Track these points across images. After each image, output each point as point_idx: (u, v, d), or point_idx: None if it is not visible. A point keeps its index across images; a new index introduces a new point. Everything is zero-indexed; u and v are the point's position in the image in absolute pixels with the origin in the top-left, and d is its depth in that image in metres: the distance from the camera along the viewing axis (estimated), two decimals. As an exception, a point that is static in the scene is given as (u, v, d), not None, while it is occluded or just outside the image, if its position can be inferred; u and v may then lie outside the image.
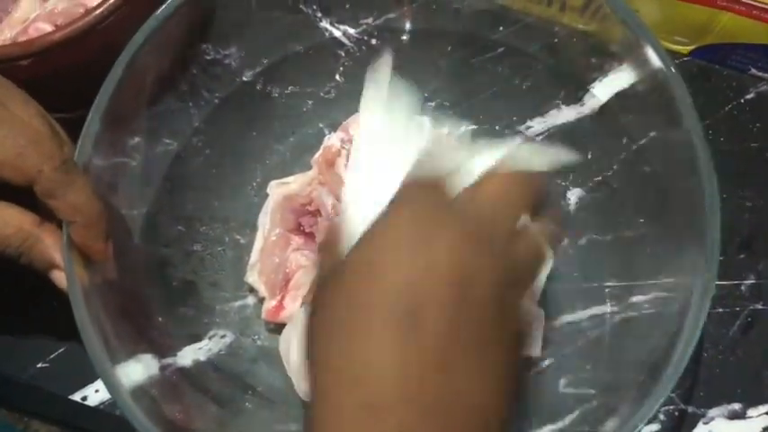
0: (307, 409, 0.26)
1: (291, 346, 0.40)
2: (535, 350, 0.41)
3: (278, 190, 0.45)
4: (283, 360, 0.41)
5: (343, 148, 0.44)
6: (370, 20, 0.46)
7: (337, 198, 0.43)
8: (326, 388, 0.25)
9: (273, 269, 0.43)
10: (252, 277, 0.43)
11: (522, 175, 0.29)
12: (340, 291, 0.26)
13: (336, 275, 0.27)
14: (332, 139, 0.45)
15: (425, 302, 0.24)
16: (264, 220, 0.44)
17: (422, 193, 0.27)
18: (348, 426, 0.24)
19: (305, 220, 0.44)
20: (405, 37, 0.46)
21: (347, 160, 0.43)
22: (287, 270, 0.44)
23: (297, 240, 0.44)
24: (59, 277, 0.35)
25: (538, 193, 0.29)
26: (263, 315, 0.43)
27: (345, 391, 0.24)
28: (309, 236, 0.44)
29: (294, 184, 0.45)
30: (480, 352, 0.25)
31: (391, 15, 0.46)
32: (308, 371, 0.26)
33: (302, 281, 0.43)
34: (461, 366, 0.25)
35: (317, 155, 0.45)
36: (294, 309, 0.42)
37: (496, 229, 0.27)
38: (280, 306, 0.43)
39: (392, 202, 0.27)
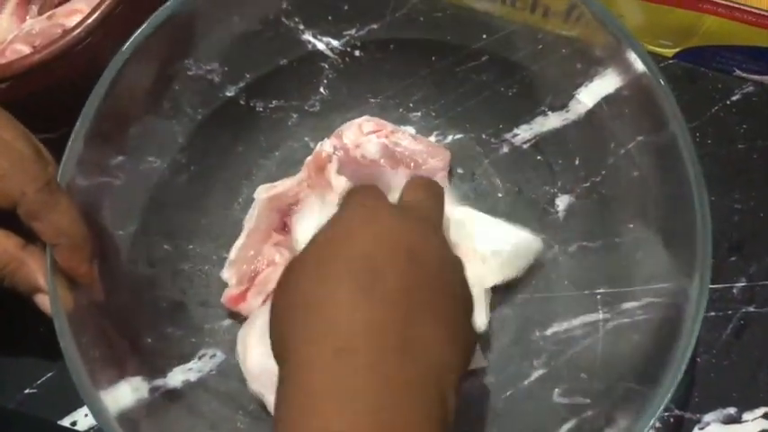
0: (277, 391, 0.28)
1: (248, 346, 0.40)
2: (480, 317, 0.41)
3: (264, 193, 0.44)
4: (239, 360, 0.41)
5: (335, 154, 0.44)
6: (353, 31, 0.46)
7: (323, 202, 0.43)
8: (301, 337, 0.28)
9: (246, 260, 0.43)
10: (227, 273, 0.43)
11: (427, 180, 0.37)
12: (303, 267, 0.30)
13: (299, 258, 0.30)
14: (325, 145, 0.45)
15: (382, 265, 0.28)
16: (249, 222, 0.44)
17: (364, 190, 0.33)
18: (322, 369, 0.26)
19: (289, 219, 0.44)
20: (388, 48, 0.46)
21: (337, 166, 0.43)
22: (257, 262, 0.43)
23: (277, 237, 0.44)
24: (44, 301, 0.35)
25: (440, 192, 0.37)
26: (223, 298, 0.43)
27: (317, 343, 0.27)
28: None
29: (281, 186, 0.44)
30: (434, 304, 0.29)
31: (374, 26, 0.45)
32: (277, 353, 0.29)
33: (271, 277, 0.42)
34: (419, 316, 0.28)
35: (308, 158, 0.45)
36: (255, 304, 0.42)
37: (431, 215, 0.34)
38: (241, 296, 0.42)
39: (341, 200, 0.33)
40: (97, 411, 0.33)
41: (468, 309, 0.32)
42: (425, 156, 0.45)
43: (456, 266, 0.33)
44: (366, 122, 0.45)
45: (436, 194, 0.36)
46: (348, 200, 0.33)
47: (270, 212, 0.44)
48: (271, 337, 0.30)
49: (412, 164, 0.44)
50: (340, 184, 0.42)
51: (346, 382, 0.26)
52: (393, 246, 0.29)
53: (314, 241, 0.31)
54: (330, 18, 0.45)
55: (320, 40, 0.46)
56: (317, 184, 0.44)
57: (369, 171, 0.44)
